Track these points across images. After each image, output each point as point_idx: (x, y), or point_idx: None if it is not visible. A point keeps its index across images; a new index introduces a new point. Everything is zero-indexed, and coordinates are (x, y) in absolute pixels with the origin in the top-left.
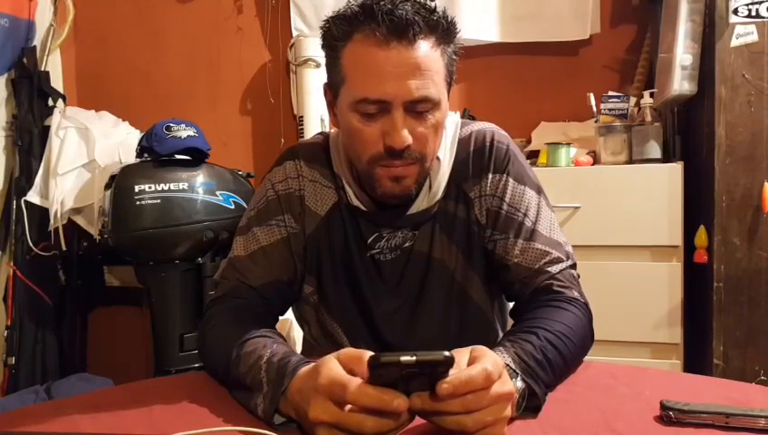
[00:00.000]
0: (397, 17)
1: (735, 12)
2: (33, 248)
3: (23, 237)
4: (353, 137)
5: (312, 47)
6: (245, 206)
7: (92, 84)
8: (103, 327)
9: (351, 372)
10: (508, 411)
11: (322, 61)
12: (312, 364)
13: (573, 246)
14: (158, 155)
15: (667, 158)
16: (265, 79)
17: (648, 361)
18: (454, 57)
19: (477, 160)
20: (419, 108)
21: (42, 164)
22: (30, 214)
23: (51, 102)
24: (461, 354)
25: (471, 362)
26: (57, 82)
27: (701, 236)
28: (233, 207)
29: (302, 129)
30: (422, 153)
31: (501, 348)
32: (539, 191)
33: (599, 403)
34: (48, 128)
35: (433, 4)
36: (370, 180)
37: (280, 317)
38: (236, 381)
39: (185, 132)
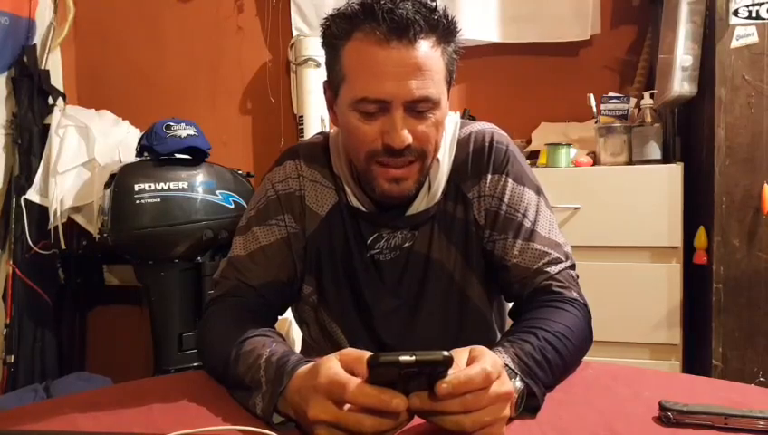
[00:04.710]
0: (397, 16)
1: (736, 13)
2: (33, 247)
3: (22, 236)
4: (352, 135)
5: (313, 47)
6: (245, 205)
7: (92, 83)
8: (102, 326)
9: (352, 373)
10: (507, 412)
11: (323, 60)
12: (311, 364)
13: (573, 247)
14: (157, 154)
15: (666, 159)
16: (265, 78)
17: (648, 361)
18: (454, 56)
19: (476, 161)
20: (419, 107)
21: (41, 162)
22: (29, 212)
23: (51, 101)
24: (460, 354)
25: (470, 362)
26: (57, 80)
27: (701, 238)
28: (232, 206)
29: (302, 128)
30: (423, 150)
31: (500, 348)
32: (538, 192)
33: (598, 404)
34: (48, 126)
35: (433, 4)
36: (369, 179)
37: (279, 317)
38: (235, 380)
39: (185, 131)
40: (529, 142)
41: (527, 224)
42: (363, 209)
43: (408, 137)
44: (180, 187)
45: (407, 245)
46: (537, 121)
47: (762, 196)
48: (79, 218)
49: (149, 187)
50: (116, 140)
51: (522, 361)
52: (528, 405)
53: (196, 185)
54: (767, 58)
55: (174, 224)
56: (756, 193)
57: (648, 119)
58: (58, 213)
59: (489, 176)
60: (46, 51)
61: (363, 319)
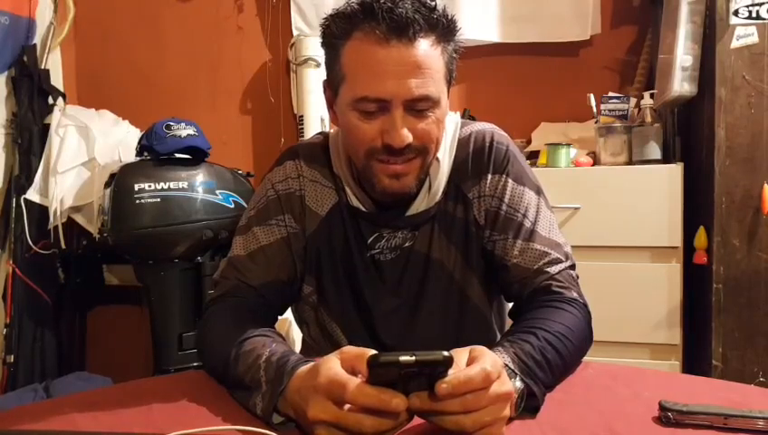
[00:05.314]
0: (397, 15)
1: (736, 13)
2: (33, 247)
3: (22, 236)
4: (352, 134)
5: (313, 46)
6: (245, 205)
7: (92, 83)
8: (102, 326)
9: (352, 370)
10: (507, 412)
11: (323, 60)
12: (311, 364)
13: (573, 247)
14: (157, 154)
15: (666, 159)
16: (265, 78)
17: (647, 362)
18: (454, 55)
19: (477, 161)
20: (419, 106)
21: (41, 162)
22: (29, 212)
23: (51, 101)
24: (460, 354)
25: (470, 362)
26: (57, 80)
27: (700, 238)
28: (232, 206)
29: (302, 128)
30: (424, 147)
31: (500, 348)
32: (538, 192)
33: (597, 404)
34: (48, 126)
35: (433, 3)
36: (369, 176)
37: (279, 317)
38: (235, 380)
39: (185, 131)
40: (529, 142)
41: (527, 224)
42: (363, 209)
43: (407, 136)
44: (180, 186)
45: (407, 245)
46: (537, 121)
47: (762, 196)
48: (79, 218)
49: (149, 186)
50: (116, 139)
51: (521, 361)
52: (528, 405)
53: (196, 185)
54: (767, 58)
55: (174, 224)
56: (756, 193)
57: (648, 119)
58: (58, 213)
59: (489, 176)
60: (46, 50)
61: (363, 319)
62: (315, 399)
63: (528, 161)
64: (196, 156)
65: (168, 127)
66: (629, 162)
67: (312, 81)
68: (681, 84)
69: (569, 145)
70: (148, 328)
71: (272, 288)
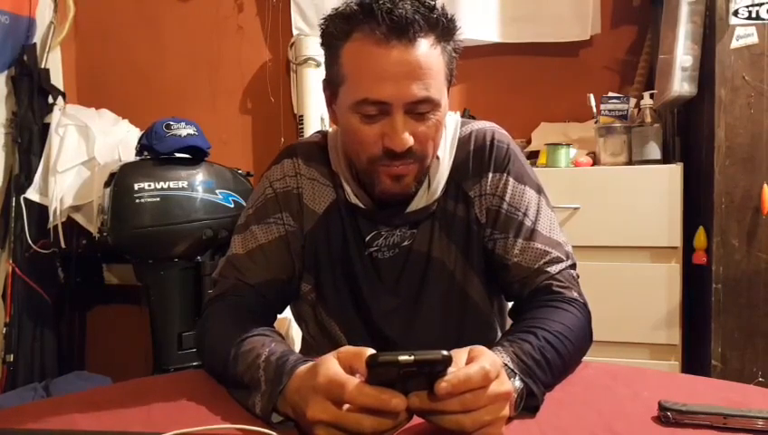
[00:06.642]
0: (396, 16)
1: (736, 13)
2: (33, 246)
3: (22, 235)
4: (352, 137)
5: (313, 46)
6: (245, 204)
7: (92, 82)
8: (102, 325)
9: (351, 369)
10: (506, 411)
11: (323, 60)
12: (311, 363)
13: (572, 247)
14: (157, 153)
15: (666, 159)
16: (265, 78)
17: (647, 361)
18: (454, 55)
19: (477, 159)
20: (420, 109)
21: (41, 161)
22: (29, 211)
23: (51, 100)
24: (459, 354)
25: (469, 361)
26: (57, 79)
27: (700, 238)
28: (232, 205)
29: (302, 128)
30: (423, 152)
31: (499, 347)
32: (539, 191)
33: (597, 404)
34: (48, 125)
35: (432, 3)
36: (370, 179)
37: (278, 316)
38: (234, 379)
39: (184, 131)
40: (529, 142)
41: (528, 223)
42: (362, 206)
43: (408, 139)
44: (180, 186)
45: (406, 243)
46: (537, 121)
47: (761, 196)
48: (79, 217)
49: (149, 186)
50: (116, 139)
51: (521, 360)
52: (527, 405)
53: (196, 184)
54: (767, 58)
55: (174, 223)
56: (756, 193)
57: (648, 119)
58: (58, 212)
59: (490, 175)
60: (46, 50)
61: (362, 317)
62: (314, 399)
63: (528, 161)
64: (196, 155)
65: (168, 126)
66: (629, 162)
67: (313, 80)
68: (681, 84)
69: (569, 145)
70: (148, 327)
71: (271, 287)
